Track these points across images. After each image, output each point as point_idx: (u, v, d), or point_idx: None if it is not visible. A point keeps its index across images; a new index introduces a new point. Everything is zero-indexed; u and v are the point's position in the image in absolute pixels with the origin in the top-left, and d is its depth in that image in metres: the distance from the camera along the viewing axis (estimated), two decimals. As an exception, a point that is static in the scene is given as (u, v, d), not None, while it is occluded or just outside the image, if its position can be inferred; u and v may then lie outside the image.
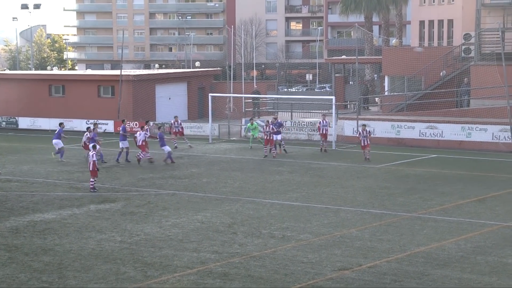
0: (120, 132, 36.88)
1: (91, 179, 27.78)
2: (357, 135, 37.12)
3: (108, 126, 50.71)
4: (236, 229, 21.65)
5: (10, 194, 27.52)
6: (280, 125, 39.42)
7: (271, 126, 37.61)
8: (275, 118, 39.91)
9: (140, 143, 35.10)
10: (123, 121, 38.48)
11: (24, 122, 54.92)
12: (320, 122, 39.59)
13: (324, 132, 39.17)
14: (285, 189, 28.39)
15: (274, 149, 37.45)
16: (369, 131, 37.09)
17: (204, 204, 25.45)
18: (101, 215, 23.73)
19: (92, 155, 27.70)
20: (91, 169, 27.62)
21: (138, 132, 35.89)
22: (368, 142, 36.24)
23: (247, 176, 31.56)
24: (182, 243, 19.99)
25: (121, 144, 36.22)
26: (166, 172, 32.84)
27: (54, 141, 36.97)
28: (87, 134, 35.37)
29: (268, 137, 37.32)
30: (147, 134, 35.44)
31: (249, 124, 42.24)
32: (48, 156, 37.68)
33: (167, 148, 35.74)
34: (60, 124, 38.50)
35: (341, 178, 31.04)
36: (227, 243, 19.95)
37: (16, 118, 55.34)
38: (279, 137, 38.10)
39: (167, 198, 26.63)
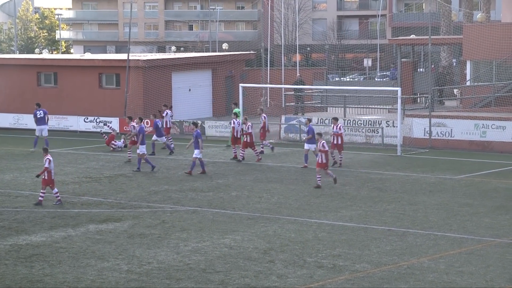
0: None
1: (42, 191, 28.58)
2: (331, 133, 37.12)
3: (112, 124, 51.07)
4: (273, 256, 21.69)
5: (-12, 210, 27.91)
6: (311, 131, 36.69)
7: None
8: (310, 120, 38.39)
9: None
10: (140, 118, 39.04)
11: (6, 120, 55.62)
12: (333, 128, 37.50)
13: (336, 142, 36.86)
14: (336, 206, 28.35)
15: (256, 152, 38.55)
16: (340, 126, 36.75)
17: (233, 225, 25.54)
18: (102, 237, 23.93)
19: (46, 160, 28.20)
20: (47, 177, 28.27)
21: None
22: (340, 142, 36.16)
23: (287, 189, 31.59)
24: (205, 274, 20.09)
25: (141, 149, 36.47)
26: (185, 183, 33.02)
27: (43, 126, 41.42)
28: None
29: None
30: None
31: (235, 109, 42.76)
32: (37, 162, 38.08)
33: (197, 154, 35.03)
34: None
35: (409, 193, 30.90)
36: (263, 274, 20.00)
37: (-4, 113, 56.12)
38: (312, 147, 36.14)
39: (186, 217, 26.76)
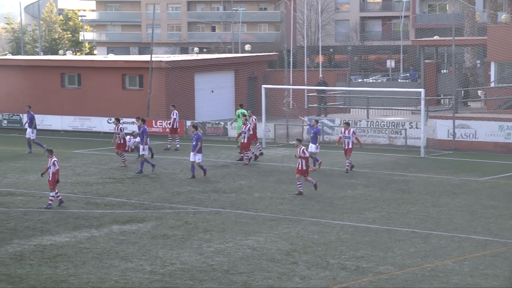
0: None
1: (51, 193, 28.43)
2: (340, 135, 36.77)
3: (135, 125, 51.16)
4: (296, 257, 21.68)
5: (12, 211, 28.08)
6: (317, 133, 36.99)
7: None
8: (317, 122, 38.19)
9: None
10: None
11: (30, 121, 55.84)
12: (341, 132, 37.27)
13: (347, 147, 36.12)
14: (359, 208, 28.30)
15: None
16: (353, 132, 36.42)
17: (256, 226, 25.55)
18: (126, 238, 24.03)
19: (54, 162, 28.34)
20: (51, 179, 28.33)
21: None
22: (350, 147, 35.70)
23: (310, 191, 31.56)
24: (228, 275, 20.11)
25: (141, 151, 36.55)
26: (208, 184, 33.08)
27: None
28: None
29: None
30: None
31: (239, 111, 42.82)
32: (59, 163, 38.06)
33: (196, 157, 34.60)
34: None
35: (432, 194, 30.81)
36: (285, 276, 20.00)
37: (20, 115, 56.38)
38: (313, 148, 36.16)
39: (209, 218, 26.81)
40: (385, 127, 45.34)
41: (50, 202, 28.46)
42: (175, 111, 45.13)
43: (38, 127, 54.51)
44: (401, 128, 44.47)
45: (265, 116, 46.09)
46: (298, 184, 30.89)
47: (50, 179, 28.43)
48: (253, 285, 19.30)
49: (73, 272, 20.43)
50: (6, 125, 56.62)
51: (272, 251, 22.36)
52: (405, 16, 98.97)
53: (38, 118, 55.38)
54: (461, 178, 34.42)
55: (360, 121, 46.37)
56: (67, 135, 52.58)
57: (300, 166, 30.46)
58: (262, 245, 23.04)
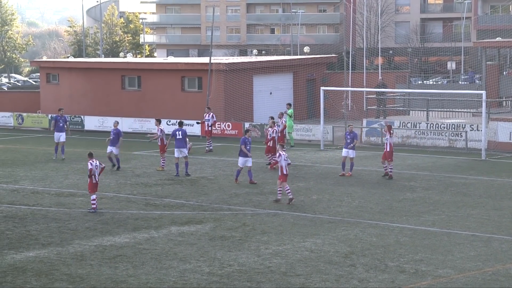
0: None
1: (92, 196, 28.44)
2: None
3: (194, 127, 51.56)
4: (354, 260, 21.61)
5: (74, 212, 28.45)
6: (354, 137, 36.41)
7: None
8: (350, 126, 37.60)
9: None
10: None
11: (91, 122, 56.66)
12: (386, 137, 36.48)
13: (386, 149, 35.28)
14: (419, 210, 28.09)
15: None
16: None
17: (313, 228, 25.52)
18: (184, 239, 24.17)
19: (98, 164, 28.67)
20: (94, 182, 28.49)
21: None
22: (389, 149, 34.63)
23: (369, 193, 31.43)
24: (286, 277, 20.12)
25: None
26: (265, 186, 33.12)
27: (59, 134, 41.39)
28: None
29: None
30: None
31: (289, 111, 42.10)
32: (123, 165, 38.51)
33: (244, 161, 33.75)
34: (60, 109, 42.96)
35: (494, 197, 30.44)
36: (344, 278, 19.94)
37: (82, 117, 57.20)
38: (351, 153, 35.78)
39: (267, 220, 26.85)
40: (445, 129, 44.92)
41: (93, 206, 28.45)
42: (211, 113, 45.40)
43: (98, 129, 55.43)
44: (461, 130, 44.03)
45: (323, 118, 45.99)
46: (279, 191, 29.79)
47: (94, 181, 28.52)
48: (311, 286, 19.28)
49: (132, 273, 20.62)
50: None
51: (330, 254, 22.31)
52: (466, 18, 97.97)
53: (99, 120, 56.34)
54: (523, 181, 33.98)
55: (419, 123, 46.02)
56: (127, 137, 53.00)
57: (285, 171, 29.30)
58: (320, 247, 23.00)
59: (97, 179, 28.54)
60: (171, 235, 24.67)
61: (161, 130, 38.27)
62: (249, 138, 34.04)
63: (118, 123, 39.25)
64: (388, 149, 34.92)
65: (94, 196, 28.32)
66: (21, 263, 21.65)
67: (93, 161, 28.72)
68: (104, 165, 29.69)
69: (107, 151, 37.81)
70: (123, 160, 38.97)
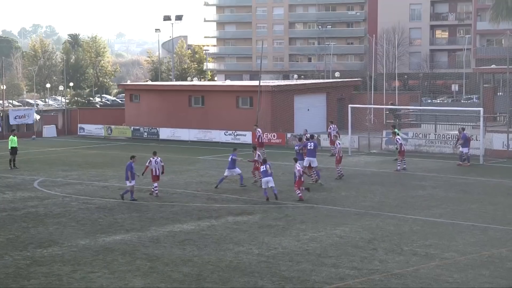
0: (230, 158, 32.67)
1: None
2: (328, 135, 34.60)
3: (246, 137, 51.60)
4: (376, 245, 21.43)
5: (151, 204, 28.64)
6: (466, 139, 38.79)
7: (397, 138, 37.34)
8: (463, 129, 39.92)
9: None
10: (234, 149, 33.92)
11: (165, 133, 57.00)
12: (397, 140, 37.10)
13: (401, 148, 36.58)
14: (428, 205, 27.79)
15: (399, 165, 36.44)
16: (397, 139, 35.82)
17: (343, 219, 25.38)
18: (239, 227, 24.19)
19: (159, 161, 29.80)
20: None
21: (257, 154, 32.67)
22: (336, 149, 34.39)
23: (387, 190, 31.17)
24: (320, 258, 20.02)
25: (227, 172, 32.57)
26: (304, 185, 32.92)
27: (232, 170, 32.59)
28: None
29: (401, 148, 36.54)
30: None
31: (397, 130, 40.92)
32: (187, 166, 38.66)
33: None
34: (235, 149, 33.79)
35: (490, 194, 30.00)
36: (367, 259, 19.78)
37: (157, 128, 57.55)
38: (465, 149, 38.18)
39: (305, 212, 26.76)
40: (450, 139, 44.35)
41: (156, 191, 29.82)
42: (259, 129, 42.89)
43: (170, 138, 55.70)
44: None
45: (351, 129, 45.72)
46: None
47: (154, 174, 29.80)
48: (340, 266, 19.16)
49: (197, 253, 20.68)
50: (146, 136, 57.83)
51: (356, 239, 22.16)
52: (467, 49, 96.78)
53: (171, 131, 56.63)
54: (514, 181, 33.43)
55: (429, 134, 45.54)
56: (193, 144, 53.35)
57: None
58: (348, 234, 22.86)
59: (157, 173, 29.70)
60: (228, 224, 24.70)
61: (259, 155, 32.85)
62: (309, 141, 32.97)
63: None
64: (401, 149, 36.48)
65: (155, 184, 29.78)
66: (110, 244, 21.87)
67: (152, 158, 29.95)
68: (163, 163, 30.46)
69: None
70: (189, 163, 39.11)
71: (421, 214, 26.01)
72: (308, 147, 33.30)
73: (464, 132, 39.61)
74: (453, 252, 20.53)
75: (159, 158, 30.23)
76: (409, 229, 23.53)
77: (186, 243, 21.95)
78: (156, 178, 30.03)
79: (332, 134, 43.99)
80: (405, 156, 37.11)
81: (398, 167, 36.77)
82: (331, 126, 45.05)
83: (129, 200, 28.94)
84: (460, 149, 38.88)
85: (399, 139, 37.24)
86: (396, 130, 40.66)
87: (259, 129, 43.01)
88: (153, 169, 29.95)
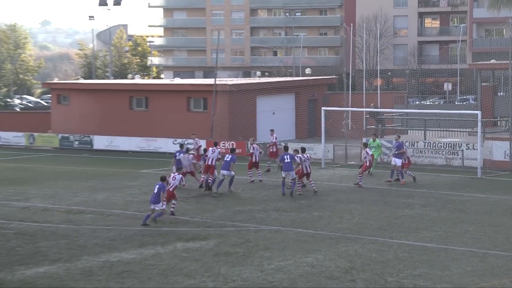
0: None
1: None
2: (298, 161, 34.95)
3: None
4: (355, 275, 21.45)
5: (82, 229, 28.35)
6: (400, 147, 38.54)
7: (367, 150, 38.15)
8: (399, 136, 40.15)
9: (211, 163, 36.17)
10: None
11: (100, 142, 56.65)
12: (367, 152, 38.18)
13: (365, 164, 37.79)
14: (417, 227, 27.94)
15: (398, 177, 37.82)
16: (309, 156, 35.63)
17: (315, 244, 25.38)
18: (189, 255, 24.05)
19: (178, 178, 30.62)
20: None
21: (210, 149, 37.02)
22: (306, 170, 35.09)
23: (368, 210, 31.29)
24: (288, 292, 19.96)
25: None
26: (268, 203, 33.01)
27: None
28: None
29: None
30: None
31: (370, 140, 41.72)
32: (127, 182, 38.45)
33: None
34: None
35: (489, 214, 30.28)
36: (344, 294, 19.78)
37: (91, 137, 57.19)
38: (398, 162, 38.06)
39: (269, 236, 26.71)
40: (442, 148, 44.81)
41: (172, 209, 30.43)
42: (255, 145, 42.28)
43: (106, 148, 55.36)
44: (458, 149, 43.91)
45: (324, 137, 45.90)
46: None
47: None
48: (312, 302, 19.14)
49: (139, 288, 20.50)
50: (77, 146, 57.36)
51: (331, 269, 22.17)
52: (462, 41, 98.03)
53: (107, 139, 56.33)
54: (518, 198, 33.82)
55: (417, 142, 45.93)
56: (135, 156, 53.07)
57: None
58: (321, 263, 22.86)
59: (172, 189, 30.19)
60: (177, 251, 24.55)
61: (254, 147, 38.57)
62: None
63: None
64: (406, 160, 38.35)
65: (174, 201, 30.58)
66: (31, 278, 21.55)
67: (172, 177, 30.56)
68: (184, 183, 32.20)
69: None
70: (130, 179, 38.91)
71: (408, 238, 26.11)
72: (285, 161, 34.56)
73: (400, 140, 39.41)
74: (446, 283, 20.63)
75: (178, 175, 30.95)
76: (394, 256, 23.60)
77: (125, 275, 21.75)
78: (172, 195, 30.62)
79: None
80: (366, 170, 37.67)
81: (360, 181, 37.27)
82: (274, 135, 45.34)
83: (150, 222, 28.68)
84: (392, 161, 38.59)
85: (368, 151, 37.61)
86: (370, 140, 41.36)
87: (255, 145, 40.39)
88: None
